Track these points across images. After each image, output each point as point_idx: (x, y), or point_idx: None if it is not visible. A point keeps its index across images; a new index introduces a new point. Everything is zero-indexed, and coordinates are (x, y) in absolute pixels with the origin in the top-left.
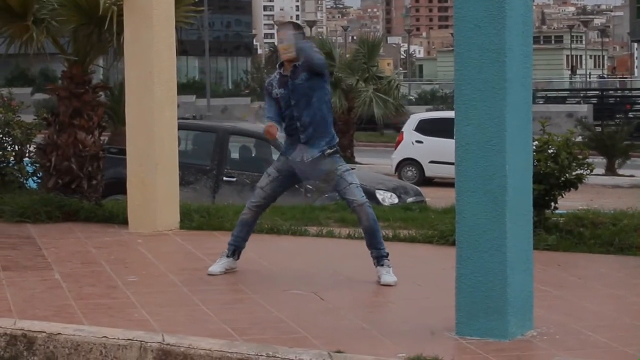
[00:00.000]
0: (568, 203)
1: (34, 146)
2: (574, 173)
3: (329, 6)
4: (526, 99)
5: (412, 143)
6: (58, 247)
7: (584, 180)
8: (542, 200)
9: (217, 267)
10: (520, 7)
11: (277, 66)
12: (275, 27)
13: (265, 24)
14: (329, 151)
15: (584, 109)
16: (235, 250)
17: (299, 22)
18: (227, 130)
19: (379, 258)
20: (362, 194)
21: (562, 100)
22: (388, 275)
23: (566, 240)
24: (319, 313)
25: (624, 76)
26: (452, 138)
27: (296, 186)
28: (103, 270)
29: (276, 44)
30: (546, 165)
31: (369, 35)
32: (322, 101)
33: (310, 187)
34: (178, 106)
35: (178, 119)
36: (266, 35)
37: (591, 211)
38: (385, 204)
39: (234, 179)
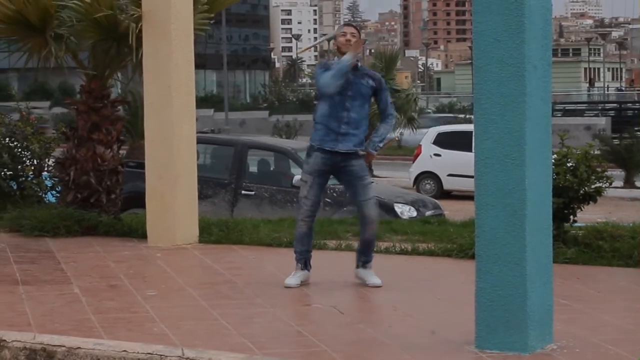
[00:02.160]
0: (587, 216)
1: (53, 160)
2: (592, 186)
3: (346, 20)
4: (546, 112)
5: (430, 156)
6: (77, 262)
7: (602, 194)
8: (561, 213)
9: (293, 280)
10: (540, 21)
11: (330, 56)
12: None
13: (282, 38)
14: (361, 152)
15: (602, 122)
16: (306, 262)
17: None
18: (245, 143)
19: (367, 262)
20: (377, 212)
21: (580, 113)
22: (375, 277)
23: (585, 253)
24: (339, 327)
25: None
26: (471, 151)
27: None
28: (122, 285)
29: (340, 33)
30: (565, 178)
31: (387, 49)
32: (367, 111)
33: (329, 200)
34: (196, 120)
35: (196, 132)
36: (284, 49)
37: (610, 224)
38: (404, 217)
39: (253, 193)
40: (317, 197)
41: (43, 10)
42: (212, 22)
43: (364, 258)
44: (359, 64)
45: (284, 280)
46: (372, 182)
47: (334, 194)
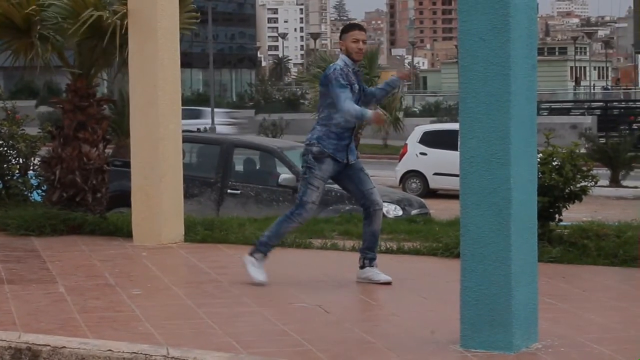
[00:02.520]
0: (572, 215)
1: (39, 159)
2: (578, 185)
3: (332, 18)
4: (531, 112)
5: (416, 155)
6: (62, 260)
7: (588, 192)
8: (547, 212)
9: (262, 274)
10: (525, 20)
11: (345, 61)
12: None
13: (269, 36)
14: (357, 152)
15: (588, 121)
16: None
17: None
18: (231, 142)
19: (372, 260)
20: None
21: (566, 111)
22: (382, 275)
23: (570, 252)
24: (324, 326)
25: (628, 87)
26: (456, 150)
27: None
28: (107, 284)
29: (351, 38)
30: (551, 177)
31: (370, 47)
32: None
33: None
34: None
35: (182, 131)
36: (270, 48)
37: (595, 223)
38: (390, 216)
39: (239, 192)
40: (357, 189)
41: (27, 10)
42: (198, 21)
43: (370, 254)
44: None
45: (270, 279)
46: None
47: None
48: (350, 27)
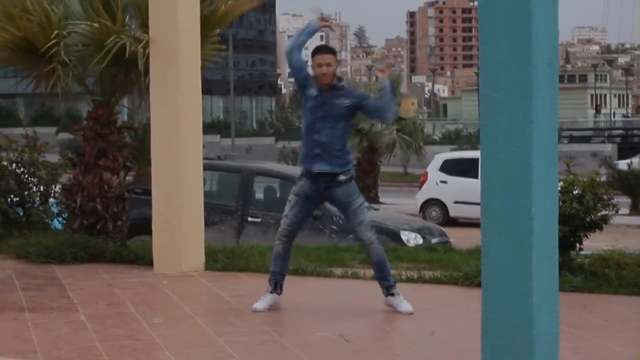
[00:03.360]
0: (593, 244)
1: (59, 187)
2: (599, 214)
3: (353, 45)
4: (552, 140)
5: (437, 183)
6: (83, 289)
7: (609, 221)
8: (567, 241)
9: (261, 303)
10: (546, 49)
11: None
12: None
13: None
14: (342, 177)
15: (608, 148)
16: (276, 284)
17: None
18: (252, 170)
19: (389, 288)
20: (372, 232)
21: (586, 139)
22: (404, 304)
23: (591, 281)
24: (345, 356)
25: None
26: (477, 178)
27: (320, 227)
28: (128, 312)
29: (316, 63)
30: (571, 206)
31: (391, 74)
32: (345, 130)
33: (335, 227)
34: (203, 146)
35: (203, 159)
36: (290, 75)
37: (616, 252)
38: (410, 244)
39: (259, 220)
40: (297, 219)
41: (49, 36)
42: (222, 54)
43: (385, 283)
44: (341, 82)
45: (291, 308)
46: (363, 204)
47: (340, 222)
48: (314, 51)
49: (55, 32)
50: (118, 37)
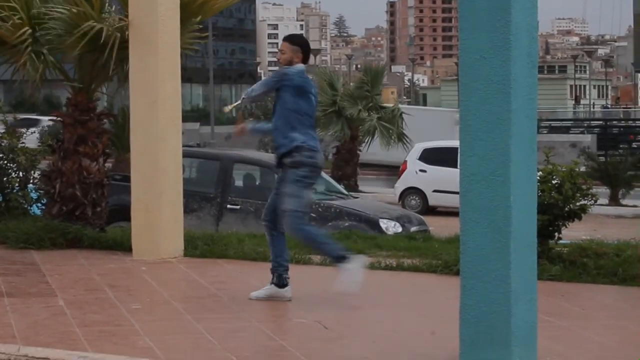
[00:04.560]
0: (572, 233)
1: (39, 172)
2: (577, 204)
3: (333, 34)
4: (531, 130)
5: (416, 172)
6: (62, 274)
7: (587, 211)
8: (546, 230)
9: (257, 292)
10: (525, 39)
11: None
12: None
13: (269, 52)
14: (288, 159)
15: (588, 139)
16: (279, 276)
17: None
18: (231, 158)
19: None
20: (292, 204)
21: (565, 130)
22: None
23: (570, 270)
24: (323, 342)
25: (628, 106)
26: (456, 167)
27: None
28: (107, 298)
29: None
30: (550, 195)
31: (372, 64)
32: (280, 111)
33: (314, 215)
34: (182, 134)
35: (182, 146)
36: (270, 63)
37: (595, 242)
38: (389, 232)
39: (238, 207)
40: (274, 203)
41: (19, 29)
42: (202, 42)
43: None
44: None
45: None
46: (299, 180)
47: (319, 209)
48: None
49: (26, 28)
50: (95, 22)
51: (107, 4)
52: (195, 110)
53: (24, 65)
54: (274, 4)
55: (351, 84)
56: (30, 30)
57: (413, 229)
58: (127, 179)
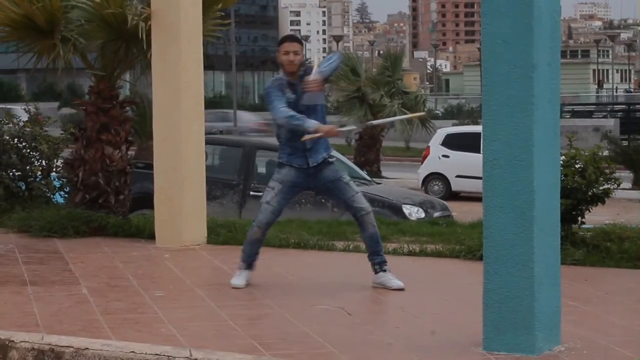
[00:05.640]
0: (595, 217)
1: (61, 161)
2: (601, 188)
3: (355, 21)
4: (554, 114)
5: (439, 157)
6: (85, 262)
7: (611, 195)
8: (569, 215)
9: (240, 280)
10: (548, 23)
11: (281, 72)
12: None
13: None
14: (330, 159)
15: (611, 123)
16: (251, 264)
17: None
18: (254, 145)
19: (382, 264)
20: (367, 202)
21: (588, 114)
22: (395, 280)
23: (593, 255)
24: (346, 328)
25: None
26: (479, 152)
27: (322, 201)
28: (130, 285)
29: (282, 51)
30: (573, 180)
31: (392, 49)
32: (323, 110)
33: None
34: (205, 121)
35: (205, 133)
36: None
37: (618, 226)
38: (412, 218)
39: (261, 194)
40: (280, 206)
41: (50, 13)
42: (225, 29)
43: (377, 259)
44: (301, 72)
45: (292, 281)
46: (349, 178)
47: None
48: (281, 40)
49: (56, 9)
50: (119, 9)
51: None
52: (218, 97)
53: (53, 49)
54: None
55: (373, 70)
56: (59, 12)
57: (436, 214)
58: (149, 166)
